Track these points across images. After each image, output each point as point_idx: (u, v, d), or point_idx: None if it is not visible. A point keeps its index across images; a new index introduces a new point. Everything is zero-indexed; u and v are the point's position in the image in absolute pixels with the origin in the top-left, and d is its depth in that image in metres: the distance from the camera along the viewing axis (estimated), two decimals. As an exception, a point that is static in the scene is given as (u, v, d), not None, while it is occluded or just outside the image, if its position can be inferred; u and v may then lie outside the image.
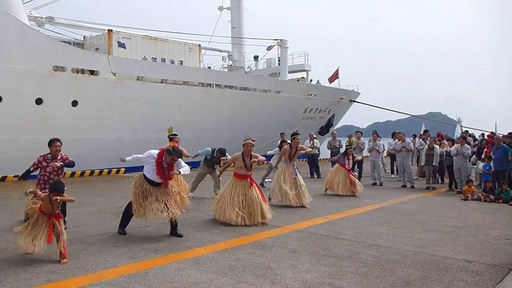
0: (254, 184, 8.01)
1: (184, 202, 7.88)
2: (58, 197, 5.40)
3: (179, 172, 6.76)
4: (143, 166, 6.79)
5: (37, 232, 5.33)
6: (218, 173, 10.02)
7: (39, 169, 7.08)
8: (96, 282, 4.67)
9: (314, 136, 17.32)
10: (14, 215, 8.04)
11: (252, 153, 8.03)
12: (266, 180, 13.29)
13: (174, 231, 6.74)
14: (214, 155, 10.73)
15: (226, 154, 10.55)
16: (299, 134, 10.22)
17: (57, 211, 5.51)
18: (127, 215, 6.82)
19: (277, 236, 6.87)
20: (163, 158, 6.53)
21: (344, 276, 4.99)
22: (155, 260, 5.51)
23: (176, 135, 9.55)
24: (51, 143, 7.10)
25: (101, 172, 16.62)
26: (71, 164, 7.23)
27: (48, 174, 7.01)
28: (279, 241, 6.57)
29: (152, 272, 4.99)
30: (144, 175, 6.69)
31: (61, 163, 7.06)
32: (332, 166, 12.89)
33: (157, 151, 6.67)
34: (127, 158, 7.08)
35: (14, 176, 13.59)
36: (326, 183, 11.99)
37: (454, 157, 12.62)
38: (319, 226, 7.69)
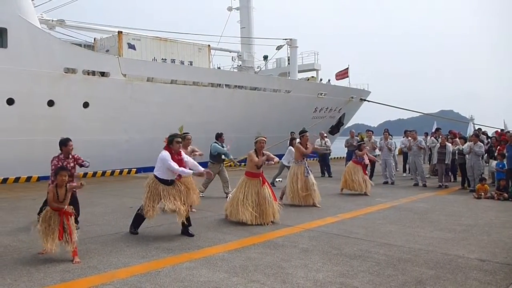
0: (266, 183, 8.01)
1: (195, 202, 7.94)
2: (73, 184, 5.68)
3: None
4: (153, 168, 6.83)
5: (53, 230, 5.38)
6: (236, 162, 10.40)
7: (52, 168, 7.13)
8: (109, 281, 4.71)
9: (325, 135, 17.29)
10: (28, 216, 8.13)
11: (264, 151, 8.02)
12: (277, 180, 13.30)
13: (185, 230, 6.75)
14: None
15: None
16: (307, 132, 10.20)
17: (66, 204, 5.53)
18: (140, 216, 6.79)
19: (288, 235, 6.86)
20: (171, 151, 6.70)
21: (355, 275, 4.96)
22: (166, 259, 5.53)
23: (188, 133, 9.60)
24: (66, 143, 7.10)
25: (112, 172, 16.77)
26: (85, 165, 7.36)
27: None
28: (290, 240, 6.56)
29: (164, 272, 5.01)
30: (155, 176, 6.70)
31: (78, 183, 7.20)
32: (347, 162, 12.85)
33: (164, 151, 6.72)
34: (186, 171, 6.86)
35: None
36: (343, 183, 11.83)
37: (467, 155, 12.49)
38: (330, 225, 7.66)
